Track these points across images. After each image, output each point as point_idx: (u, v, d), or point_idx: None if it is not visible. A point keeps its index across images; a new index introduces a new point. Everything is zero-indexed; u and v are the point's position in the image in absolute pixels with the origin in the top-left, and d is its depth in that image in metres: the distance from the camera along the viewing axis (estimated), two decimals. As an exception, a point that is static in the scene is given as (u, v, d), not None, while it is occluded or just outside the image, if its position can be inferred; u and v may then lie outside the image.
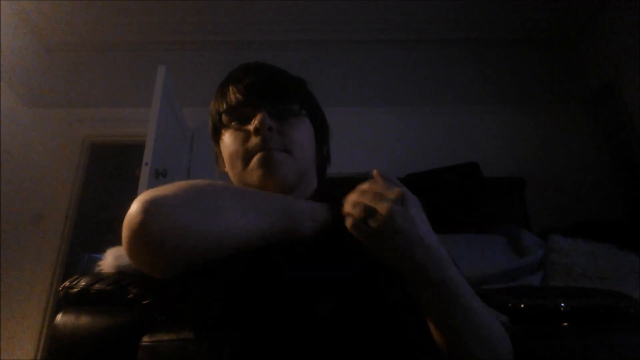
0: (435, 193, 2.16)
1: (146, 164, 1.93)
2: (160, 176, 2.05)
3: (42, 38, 2.88)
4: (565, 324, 0.87)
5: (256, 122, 0.59)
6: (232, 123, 0.63)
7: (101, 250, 1.13)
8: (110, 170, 3.39)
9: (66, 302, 0.99)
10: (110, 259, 1.08)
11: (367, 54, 2.93)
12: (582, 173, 2.59)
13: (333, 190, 0.67)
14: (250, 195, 0.53)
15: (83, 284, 0.99)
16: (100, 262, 1.10)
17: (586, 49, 2.85)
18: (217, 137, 0.68)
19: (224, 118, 0.64)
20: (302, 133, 0.64)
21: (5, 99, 2.56)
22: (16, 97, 2.69)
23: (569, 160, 2.64)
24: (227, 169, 0.66)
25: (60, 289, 1.01)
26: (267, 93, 0.63)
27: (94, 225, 3.19)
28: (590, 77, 2.79)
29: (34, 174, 2.63)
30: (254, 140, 0.60)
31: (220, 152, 0.68)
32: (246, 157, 0.60)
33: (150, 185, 1.93)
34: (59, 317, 0.95)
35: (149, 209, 0.43)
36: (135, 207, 0.44)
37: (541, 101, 2.83)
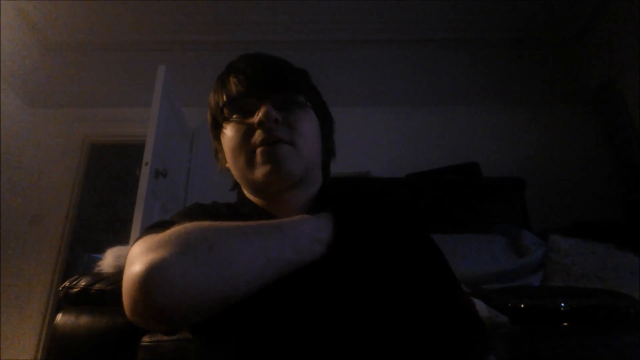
0: (435, 193, 2.16)
1: (146, 164, 1.93)
2: (160, 176, 2.05)
3: (42, 38, 2.88)
4: (565, 324, 0.87)
5: (260, 114, 0.56)
6: (234, 116, 0.60)
7: (101, 250, 1.13)
8: (110, 170, 3.39)
9: (66, 302, 0.99)
10: (110, 259, 1.08)
11: (367, 54, 2.93)
12: (582, 173, 2.59)
13: (337, 191, 0.66)
14: (253, 232, 0.47)
15: (83, 284, 0.99)
16: (100, 262, 1.10)
17: (586, 49, 2.85)
18: (217, 131, 0.65)
19: (225, 111, 0.61)
20: (309, 125, 0.61)
21: (5, 99, 2.56)
22: (16, 97, 2.70)
23: (569, 160, 2.64)
24: (229, 164, 0.63)
25: (60, 289, 1.01)
26: (271, 83, 0.59)
27: (94, 225, 3.20)
28: (590, 77, 2.79)
29: (34, 174, 2.63)
30: (258, 134, 0.57)
31: (221, 147, 0.65)
32: (249, 152, 0.57)
33: (150, 185, 1.93)
34: (59, 317, 0.95)
35: (152, 279, 0.39)
36: (136, 277, 0.39)
37: (541, 101, 2.83)
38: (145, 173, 1.91)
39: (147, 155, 1.95)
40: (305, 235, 0.50)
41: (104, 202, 3.45)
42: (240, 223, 0.48)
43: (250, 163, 0.57)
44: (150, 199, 1.94)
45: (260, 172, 0.56)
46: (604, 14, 2.64)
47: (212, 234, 0.44)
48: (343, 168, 0.81)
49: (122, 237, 1.81)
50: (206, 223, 0.46)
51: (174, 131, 2.41)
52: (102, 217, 3.37)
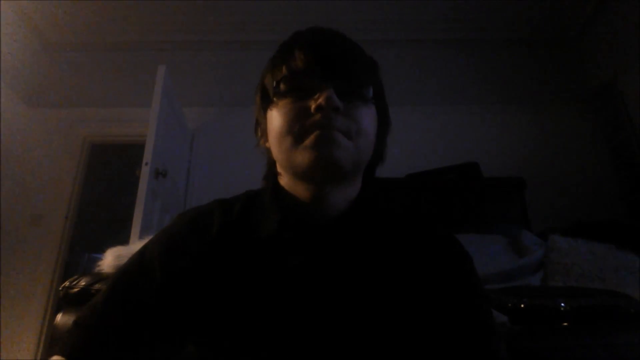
0: (435, 193, 2.16)
1: (146, 164, 1.93)
2: (160, 176, 2.05)
3: (42, 38, 2.88)
4: (565, 324, 0.86)
5: (321, 99, 0.50)
6: (291, 92, 0.53)
7: (101, 250, 1.13)
8: (110, 170, 3.39)
9: (66, 302, 0.99)
10: (110, 259, 1.08)
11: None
12: (582, 173, 2.59)
13: (378, 200, 0.61)
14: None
15: (83, 284, 0.99)
16: (100, 262, 1.10)
17: (586, 49, 2.85)
18: (265, 105, 0.58)
19: (282, 85, 0.54)
20: (369, 121, 0.55)
21: (5, 99, 2.56)
22: (16, 97, 2.69)
23: (569, 160, 2.64)
24: (272, 144, 0.56)
25: (60, 289, 1.01)
26: (339, 67, 0.53)
27: (94, 225, 3.20)
28: (590, 77, 2.79)
29: (34, 174, 2.63)
30: (314, 118, 0.51)
31: (264, 122, 0.58)
32: (299, 134, 0.51)
33: (150, 185, 1.93)
34: (59, 317, 0.95)
35: None
36: None
37: (541, 101, 2.83)
38: (145, 173, 1.91)
39: (147, 155, 1.95)
40: None
41: (104, 202, 3.44)
42: None
43: (297, 145, 0.51)
44: (150, 199, 1.94)
45: (306, 156, 0.50)
46: (604, 14, 2.64)
47: None
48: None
49: (122, 237, 1.81)
50: None
51: (174, 131, 2.41)
52: (102, 217, 3.36)
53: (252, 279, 0.52)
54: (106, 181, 3.40)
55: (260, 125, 0.61)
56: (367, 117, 0.54)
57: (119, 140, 2.95)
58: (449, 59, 2.94)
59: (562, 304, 0.87)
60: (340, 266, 0.52)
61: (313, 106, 0.50)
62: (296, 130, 0.51)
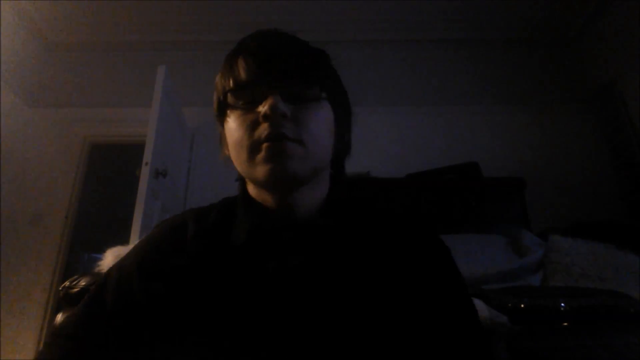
0: (435, 193, 2.16)
1: (146, 164, 1.93)
2: (160, 176, 2.05)
3: (42, 38, 2.88)
4: (565, 324, 0.87)
5: (266, 107, 0.50)
6: (240, 104, 0.54)
7: (101, 250, 1.13)
8: (110, 170, 3.39)
9: (66, 302, 0.99)
10: (110, 259, 1.08)
11: (367, 54, 2.93)
12: (582, 173, 2.59)
13: (350, 198, 0.61)
14: None
15: (83, 284, 0.99)
16: (100, 262, 1.10)
17: (586, 49, 2.85)
18: (221, 117, 0.59)
19: (230, 97, 0.55)
20: (321, 122, 0.55)
21: (5, 99, 2.56)
22: (16, 97, 2.69)
23: (569, 160, 2.64)
24: (231, 156, 0.57)
25: (60, 289, 1.01)
26: (284, 71, 0.53)
27: (94, 225, 3.20)
28: (590, 77, 2.79)
29: (34, 174, 2.63)
30: (263, 128, 0.51)
31: (223, 132, 0.60)
32: (252, 148, 0.51)
33: (150, 185, 1.93)
34: (59, 317, 0.95)
35: None
36: None
37: (541, 101, 2.83)
38: (145, 173, 1.91)
39: (147, 155, 1.95)
40: None
41: (104, 202, 3.44)
42: None
43: (252, 159, 0.52)
44: (150, 199, 1.93)
45: (262, 170, 0.51)
46: (604, 14, 2.64)
47: None
48: (343, 168, 0.80)
49: (122, 237, 1.81)
50: None
51: (174, 131, 2.41)
52: (102, 217, 3.37)
53: (232, 285, 0.52)
54: (106, 181, 3.40)
55: (222, 137, 0.61)
56: (319, 117, 0.54)
57: (119, 140, 2.95)
58: (449, 59, 2.94)
59: (562, 304, 0.88)
60: (316, 268, 0.52)
61: (260, 116, 0.51)
62: (248, 145, 0.52)
